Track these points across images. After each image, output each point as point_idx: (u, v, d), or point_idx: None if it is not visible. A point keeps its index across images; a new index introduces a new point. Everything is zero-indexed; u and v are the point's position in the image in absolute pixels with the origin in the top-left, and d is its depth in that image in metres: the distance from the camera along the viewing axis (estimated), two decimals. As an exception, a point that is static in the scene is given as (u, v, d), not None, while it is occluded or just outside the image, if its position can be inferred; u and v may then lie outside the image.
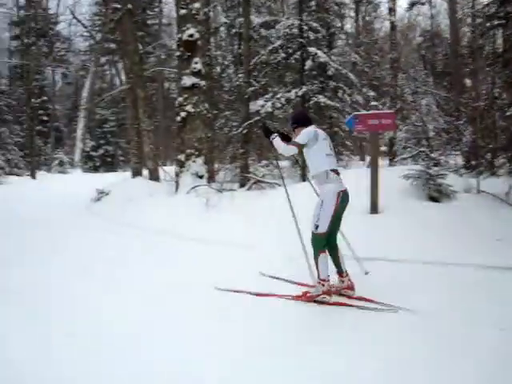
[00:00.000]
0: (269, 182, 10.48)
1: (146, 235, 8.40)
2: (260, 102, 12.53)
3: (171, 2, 30.90)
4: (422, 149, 10.28)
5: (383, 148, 17.45)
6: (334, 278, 4.69)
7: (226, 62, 17.88)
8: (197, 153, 10.75)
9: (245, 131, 12.12)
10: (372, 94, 15.93)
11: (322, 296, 4.52)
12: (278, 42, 13.47)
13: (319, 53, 12.74)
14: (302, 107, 12.70)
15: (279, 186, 10.28)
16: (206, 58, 13.61)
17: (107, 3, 32.77)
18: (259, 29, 15.68)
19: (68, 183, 23.08)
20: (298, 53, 12.98)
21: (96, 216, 11.21)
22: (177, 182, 10.96)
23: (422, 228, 6.73)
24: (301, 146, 4.65)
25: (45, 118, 37.62)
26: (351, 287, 4.75)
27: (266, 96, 12.90)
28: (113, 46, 34.18)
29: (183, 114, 10.78)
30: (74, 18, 30.69)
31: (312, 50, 12.69)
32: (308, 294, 4.67)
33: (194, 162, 10.70)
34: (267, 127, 4.96)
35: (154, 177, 14.14)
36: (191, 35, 11.13)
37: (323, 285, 4.53)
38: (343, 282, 4.76)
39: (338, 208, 4.57)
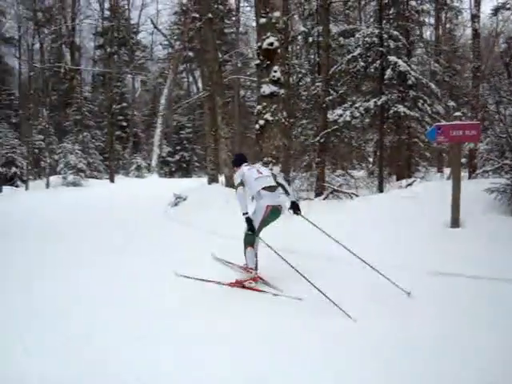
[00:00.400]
0: (346, 192, 10.38)
1: (222, 240, 8.49)
2: (338, 111, 12.47)
3: (248, 11, 31.24)
4: (506, 161, 9.87)
5: (463, 160, 16.91)
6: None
7: (304, 71, 17.86)
8: (274, 161, 10.77)
9: (322, 140, 12.09)
10: (452, 103, 15.51)
11: (249, 281, 5.76)
12: (358, 51, 13.36)
13: (399, 62, 12.54)
14: (381, 117, 12.56)
15: (356, 196, 10.17)
16: (284, 66, 13.64)
17: (186, 13, 33.71)
18: (338, 37, 15.62)
19: (145, 187, 23.68)
20: (378, 62, 12.83)
21: (173, 220, 11.46)
22: (254, 190, 11.04)
23: (506, 245, 6.45)
24: (238, 186, 5.87)
25: (124, 124, 38.94)
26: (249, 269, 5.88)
27: (345, 105, 12.82)
28: (190, 54, 35.03)
29: (262, 122, 10.85)
30: (155, 27, 31.54)
31: (392, 58, 12.51)
32: (238, 279, 5.83)
33: (271, 170, 10.74)
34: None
35: (231, 183, 14.27)
36: (271, 44, 11.17)
37: (251, 272, 5.78)
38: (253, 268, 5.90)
39: (265, 217, 5.82)
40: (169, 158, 36.85)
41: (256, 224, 5.77)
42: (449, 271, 5.45)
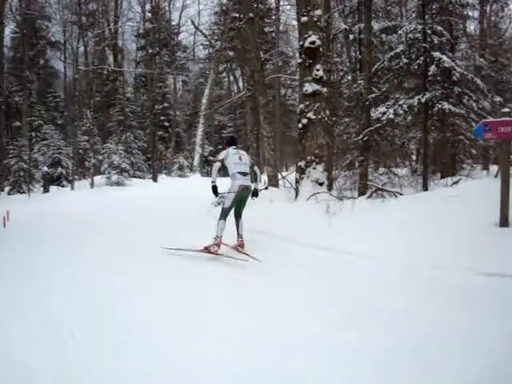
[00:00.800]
0: (390, 190, 10.26)
1: (265, 239, 8.56)
2: (381, 108, 12.34)
3: (288, 10, 31.18)
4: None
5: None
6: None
7: (345, 69, 17.75)
8: (317, 160, 10.74)
9: (365, 138, 11.99)
10: (499, 99, 15.18)
11: (213, 246, 7.30)
12: (400, 48, 13.19)
13: (444, 57, 12.32)
14: (425, 114, 12.38)
15: (401, 194, 10.06)
16: (326, 64, 13.59)
17: (226, 13, 33.89)
18: (380, 34, 15.47)
19: (187, 186, 23.85)
20: (421, 58, 12.64)
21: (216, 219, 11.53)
22: (297, 189, 11.02)
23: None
24: (218, 161, 7.71)
25: (166, 124, 39.38)
26: (241, 245, 7.62)
27: (388, 103, 12.68)
28: (231, 53, 35.20)
29: (304, 120, 10.83)
30: (196, 28, 31.77)
31: (436, 54, 12.31)
32: (205, 245, 7.36)
33: (314, 168, 10.70)
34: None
35: (273, 183, 14.31)
36: (313, 42, 11.15)
37: (215, 239, 7.33)
38: (238, 241, 7.66)
39: (238, 195, 7.45)
40: (210, 158, 37.12)
41: (231, 198, 7.48)
42: (502, 272, 5.34)
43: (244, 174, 7.51)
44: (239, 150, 7.88)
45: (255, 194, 7.90)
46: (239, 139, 37.38)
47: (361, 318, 4.45)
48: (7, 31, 34.50)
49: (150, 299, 5.28)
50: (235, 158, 7.54)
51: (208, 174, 35.05)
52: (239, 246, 7.57)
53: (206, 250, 7.29)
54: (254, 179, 8.10)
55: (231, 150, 7.73)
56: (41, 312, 5.00)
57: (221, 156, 7.68)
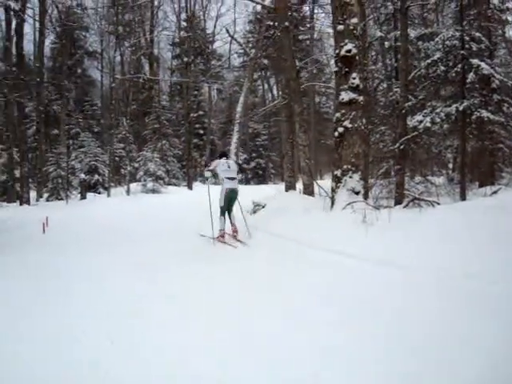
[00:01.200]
0: (427, 200, 10.11)
1: (301, 248, 8.54)
2: (418, 117, 12.22)
3: (323, 17, 31.15)
4: None
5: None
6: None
7: (381, 77, 17.63)
8: (353, 168, 10.65)
9: (402, 147, 11.88)
10: (540, 106, 14.85)
11: (220, 237, 9.94)
12: (437, 55, 13.05)
13: (482, 64, 12.15)
14: (463, 122, 12.20)
15: (438, 204, 9.92)
16: (363, 73, 13.52)
17: (261, 21, 34.01)
18: (417, 42, 15.32)
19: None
20: (459, 65, 12.47)
21: (253, 228, 11.56)
22: (332, 198, 10.96)
23: None
24: (209, 169, 10.35)
25: (201, 132, 39.69)
26: (235, 231, 10.09)
27: (425, 111, 12.54)
28: (265, 61, 35.30)
29: (341, 129, 10.76)
30: (231, 36, 31.92)
31: (475, 61, 12.14)
32: (215, 237, 9.92)
33: (350, 177, 10.61)
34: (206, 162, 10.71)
35: (308, 191, 14.25)
36: (349, 50, 11.08)
37: (220, 231, 10.02)
38: (231, 229, 10.12)
39: (227, 196, 9.99)
40: (245, 165, 37.31)
41: (222, 199, 10.04)
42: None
43: (231, 178, 10.09)
44: (228, 160, 10.46)
45: None
46: (272, 147, 37.67)
47: (400, 328, 4.42)
48: (47, 42, 35.39)
49: (171, 304, 5.42)
50: (224, 167, 10.08)
51: (242, 182, 35.19)
52: (234, 232, 10.09)
53: (217, 239, 9.91)
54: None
55: (222, 160, 10.33)
56: (60, 313, 5.23)
57: (213, 165, 10.31)
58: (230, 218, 10.27)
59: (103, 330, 4.66)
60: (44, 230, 12.87)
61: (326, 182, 15.02)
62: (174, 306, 5.49)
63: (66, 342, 4.37)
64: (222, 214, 10.12)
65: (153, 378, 3.70)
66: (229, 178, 10.04)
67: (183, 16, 39.12)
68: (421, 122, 12.10)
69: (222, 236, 9.94)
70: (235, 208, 10.43)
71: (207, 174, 10.66)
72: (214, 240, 9.83)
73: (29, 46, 34.98)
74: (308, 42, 36.61)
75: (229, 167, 10.10)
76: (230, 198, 10.07)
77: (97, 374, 3.77)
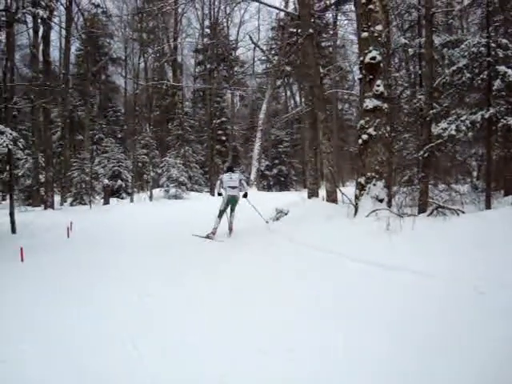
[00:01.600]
0: (452, 208, 10.02)
1: (323, 255, 8.53)
2: (443, 124, 12.09)
3: (346, 24, 31.13)
4: None
5: None
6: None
7: (405, 84, 17.52)
8: (377, 176, 10.62)
9: (426, 154, 11.77)
10: None
11: (210, 234, 11.76)
12: (463, 62, 12.91)
13: (509, 71, 11.98)
14: (488, 130, 12.06)
15: (463, 212, 9.81)
16: (387, 80, 13.46)
17: (284, 28, 34.11)
18: (441, 49, 15.20)
19: (244, 200, 23.97)
20: (485, 72, 12.32)
21: (276, 234, 11.58)
22: (356, 205, 10.92)
23: None
24: (218, 181, 13.02)
25: (223, 138, 39.81)
26: (230, 228, 12.43)
27: (449, 118, 12.41)
28: (288, 68, 35.33)
29: (365, 136, 10.74)
30: (254, 43, 32.08)
31: (501, 68, 11.97)
32: (206, 234, 11.79)
33: (374, 185, 10.58)
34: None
35: (332, 198, 14.21)
36: (373, 58, 11.08)
37: (213, 229, 11.80)
38: (228, 225, 12.44)
39: (227, 201, 12.18)
40: (267, 172, 37.32)
41: (222, 204, 12.29)
42: None
43: (232, 187, 12.34)
44: (232, 174, 12.64)
45: (245, 196, 12.89)
46: (295, 154, 37.68)
47: (425, 340, 4.38)
48: (72, 49, 35.85)
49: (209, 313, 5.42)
50: (227, 178, 12.46)
51: (264, 188, 35.28)
52: (229, 230, 12.49)
53: (207, 236, 11.79)
54: (240, 189, 12.68)
55: (226, 174, 12.72)
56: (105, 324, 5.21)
57: (220, 178, 12.93)
58: (229, 217, 12.50)
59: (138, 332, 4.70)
60: (68, 235, 13.02)
61: (348, 189, 14.96)
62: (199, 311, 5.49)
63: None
64: (219, 215, 12.20)
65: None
66: (230, 187, 12.33)
67: (207, 23, 39.39)
68: (445, 129, 11.96)
69: (213, 233, 11.82)
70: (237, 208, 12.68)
71: (221, 192, 12.64)
72: (207, 236, 11.81)
73: (54, 53, 35.58)
74: (331, 48, 36.57)
75: (231, 178, 12.46)
76: (230, 203, 12.31)
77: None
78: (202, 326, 5.04)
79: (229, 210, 12.39)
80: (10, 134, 12.59)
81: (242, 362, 4.09)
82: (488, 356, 3.94)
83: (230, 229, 12.46)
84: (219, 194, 12.62)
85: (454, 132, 11.75)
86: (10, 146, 12.72)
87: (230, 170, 12.98)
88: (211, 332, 4.86)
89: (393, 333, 4.60)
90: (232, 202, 12.33)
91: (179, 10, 36.37)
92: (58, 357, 4.39)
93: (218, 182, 12.80)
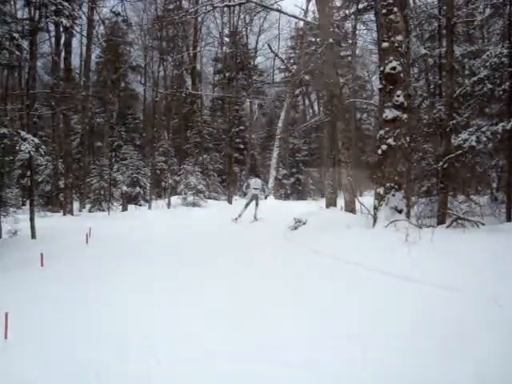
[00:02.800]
0: (471, 220, 9.95)
1: (340, 264, 8.51)
2: (463, 135, 12.01)
3: (365, 34, 31.09)
4: None
5: None
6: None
7: (425, 94, 17.45)
8: (396, 186, 10.57)
9: (445, 165, 11.71)
10: None
11: (234, 220, 17.26)
12: (484, 72, 12.83)
13: (531, 82, 11.89)
14: (509, 141, 11.95)
15: (483, 224, 9.74)
16: (407, 90, 13.42)
17: (303, 37, 34.18)
18: (462, 59, 15.14)
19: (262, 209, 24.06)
20: (507, 83, 12.23)
21: (293, 244, 11.57)
22: (375, 215, 10.88)
23: None
24: (245, 184, 19.74)
25: (241, 146, 39.89)
26: (255, 218, 17.50)
27: (470, 129, 12.33)
28: (307, 77, 35.37)
29: (384, 147, 10.71)
30: (273, 53, 32.21)
31: (523, 79, 11.89)
32: (233, 219, 17.27)
33: (393, 195, 10.53)
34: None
35: (350, 208, 14.18)
36: (394, 68, 11.06)
37: (239, 216, 17.35)
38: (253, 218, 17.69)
39: (251, 197, 17.80)
40: (284, 181, 37.30)
41: (247, 200, 17.80)
42: None
43: (256, 189, 17.63)
44: (256, 179, 18.20)
45: (265, 198, 18.94)
46: (312, 163, 37.70)
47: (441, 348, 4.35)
48: (92, 56, 36.28)
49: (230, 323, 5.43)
50: (252, 182, 17.84)
51: (281, 197, 35.23)
52: (254, 218, 17.38)
53: (234, 220, 17.06)
54: (263, 191, 18.39)
55: (252, 179, 18.20)
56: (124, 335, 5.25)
57: (246, 183, 18.15)
58: (254, 210, 17.63)
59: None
60: (87, 241, 13.12)
61: (366, 199, 14.91)
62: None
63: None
64: (245, 206, 17.60)
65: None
66: (254, 188, 17.74)
67: (226, 31, 39.56)
68: (466, 140, 11.88)
69: (238, 218, 17.18)
70: (260, 202, 18.07)
71: (246, 190, 18.37)
72: (232, 221, 17.11)
73: (75, 61, 35.93)
74: (350, 58, 36.51)
75: (255, 182, 17.90)
76: (253, 198, 17.65)
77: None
78: (224, 340, 5.05)
79: (254, 204, 17.49)
80: (33, 141, 12.75)
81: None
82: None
83: (255, 217, 17.52)
84: (245, 194, 18.55)
85: (474, 143, 11.67)
86: (32, 153, 12.88)
87: (257, 175, 19.83)
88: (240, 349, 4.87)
89: (412, 346, 4.58)
90: (255, 197, 17.63)
91: (199, 19, 36.57)
92: (78, 361, 4.45)
93: (245, 184, 18.76)
